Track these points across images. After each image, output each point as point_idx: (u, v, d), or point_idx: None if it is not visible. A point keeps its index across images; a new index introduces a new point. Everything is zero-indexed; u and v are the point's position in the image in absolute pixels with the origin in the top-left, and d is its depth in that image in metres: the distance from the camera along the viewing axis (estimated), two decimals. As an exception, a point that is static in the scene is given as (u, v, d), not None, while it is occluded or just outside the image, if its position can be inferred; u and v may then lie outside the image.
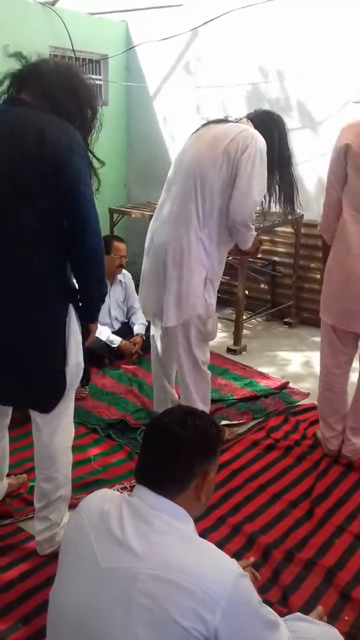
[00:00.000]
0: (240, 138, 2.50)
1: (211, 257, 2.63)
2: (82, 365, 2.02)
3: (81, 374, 2.04)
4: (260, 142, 2.52)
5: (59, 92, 1.82)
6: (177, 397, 3.08)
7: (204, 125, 2.69)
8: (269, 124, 2.66)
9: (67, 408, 2.05)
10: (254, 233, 2.66)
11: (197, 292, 2.63)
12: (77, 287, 1.96)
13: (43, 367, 1.93)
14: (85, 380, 2.12)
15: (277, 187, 2.75)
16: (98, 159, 1.93)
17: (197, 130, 2.69)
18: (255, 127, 2.60)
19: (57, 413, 2.01)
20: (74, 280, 1.96)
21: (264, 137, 2.55)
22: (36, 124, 1.74)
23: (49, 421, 2.02)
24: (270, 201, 2.77)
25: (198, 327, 2.69)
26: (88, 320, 2.06)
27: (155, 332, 3.03)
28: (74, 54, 4.74)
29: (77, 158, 1.76)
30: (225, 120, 2.68)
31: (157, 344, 3.03)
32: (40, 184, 1.74)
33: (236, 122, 2.65)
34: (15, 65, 1.86)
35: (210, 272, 2.65)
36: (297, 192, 2.84)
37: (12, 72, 1.85)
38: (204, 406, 2.82)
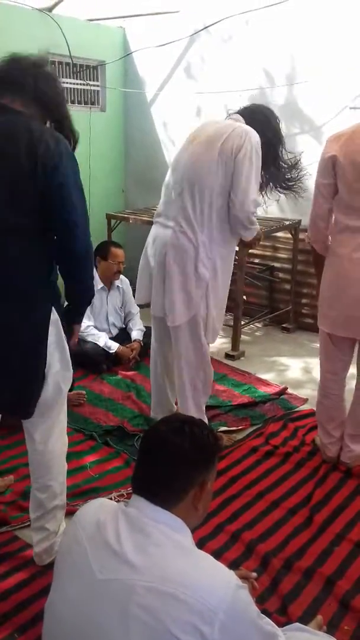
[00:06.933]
0: (234, 136, 2.53)
1: (213, 256, 2.65)
2: (70, 370, 1.99)
3: (69, 380, 2.00)
4: (254, 137, 2.55)
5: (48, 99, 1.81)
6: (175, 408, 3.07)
7: (200, 126, 2.71)
8: (258, 118, 2.69)
9: (58, 414, 2.01)
10: (258, 227, 2.71)
11: (198, 292, 2.65)
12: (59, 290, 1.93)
13: (21, 370, 1.85)
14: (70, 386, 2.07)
15: (275, 176, 2.82)
16: None
17: (194, 131, 2.70)
18: (247, 122, 2.64)
19: (47, 420, 1.98)
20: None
21: (256, 130, 2.58)
22: (25, 129, 1.71)
23: (40, 428, 1.98)
24: (269, 190, 2.89)
25: (201, 325, 2.72)
26: (72, 321, 2.02)
27: (159, 337, 3.00)
28: (71, 60, 4.75)
29: (67, 161, 1.74)
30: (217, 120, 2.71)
31: (161, 348, 3.00)
32: (28, 186, 1.71)
33: (228, 118, 2.70)
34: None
35: (212, 271, 2.66)
36: (299, 172, 2.94)
37: None
38: (199, 414, 2.81)
